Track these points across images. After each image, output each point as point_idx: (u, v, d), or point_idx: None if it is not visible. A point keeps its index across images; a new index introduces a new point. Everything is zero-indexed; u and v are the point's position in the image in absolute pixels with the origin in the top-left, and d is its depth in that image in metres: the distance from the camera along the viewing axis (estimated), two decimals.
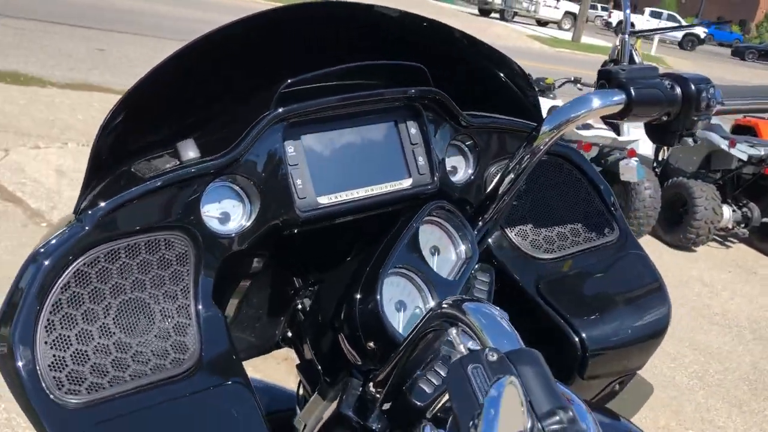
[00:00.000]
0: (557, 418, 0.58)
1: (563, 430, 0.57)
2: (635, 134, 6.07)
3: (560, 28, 30.97)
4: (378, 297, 0.90)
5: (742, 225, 6.27)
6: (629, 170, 5.41)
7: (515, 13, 29.92)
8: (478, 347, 0.68)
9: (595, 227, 1.22)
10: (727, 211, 6.11)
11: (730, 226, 6.21)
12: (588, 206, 1.23)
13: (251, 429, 0.84)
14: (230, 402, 0.84)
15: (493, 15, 29.47)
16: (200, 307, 0.88)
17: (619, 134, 5.90)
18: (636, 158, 5.62)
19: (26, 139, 5.32)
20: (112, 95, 6.83)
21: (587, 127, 5.81)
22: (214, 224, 0.92)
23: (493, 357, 0.61)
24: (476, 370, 0.60)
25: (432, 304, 0.97)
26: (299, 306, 1.14)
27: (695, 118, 1.01)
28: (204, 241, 0.89)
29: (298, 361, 1.17)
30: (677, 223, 6.06)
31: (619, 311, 1.13)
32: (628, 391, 1.18)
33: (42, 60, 7.92)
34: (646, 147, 6.37)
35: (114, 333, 0.82)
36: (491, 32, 21.46)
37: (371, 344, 0.91)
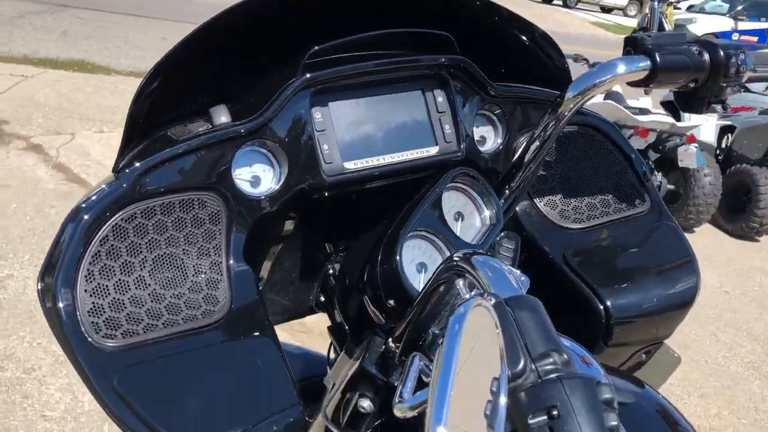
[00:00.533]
0: (551, 359, 0.59)
1: (556, 370, 0.59)
2: (696, 120, 5.90)
3: (625, 14, 30.12)
4: (397, 258, 0.93)
5: None
6: (688, 156, 5.27)
7: (578, 0, 29.27)
8: None
9: (626, 198, 1.22)
10: None
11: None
12: (619, 177, 1.23)
13: (275, 377, 0.88)
14: (257, 352, 0.89)
15: (555, 2, 28.89)
16: (231, 262, 0.92)
17: (678, 120, 5.74)
18: (695, 144, 5.46)
19: (91, 123, 5.55)
20: None
21: (645, 112, 5.68)
22: (245, 187, 0.96)
23: (491, 302, 0.63)
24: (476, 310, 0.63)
25: None
26: (330, 271, 1.18)
27: (724, 84, 1.00)
28: (235, 202, 0.94)
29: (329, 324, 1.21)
30: (740, 211, 5.87)
31: (646, 281, 1.12)
32: (655, 361, 1.18)
33: (108, 49, 8.21)
34: (707, 133, 6.19)
35: (149, 285, 0.87)
36: (553, 19, 21.05)
37: (391, 302, 0.94)
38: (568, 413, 0.55)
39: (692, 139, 5.48)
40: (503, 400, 0.53)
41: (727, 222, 5.99)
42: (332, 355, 1.22)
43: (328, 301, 1.22)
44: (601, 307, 1.08)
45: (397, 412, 0.63)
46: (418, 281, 0.97)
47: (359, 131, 1.02)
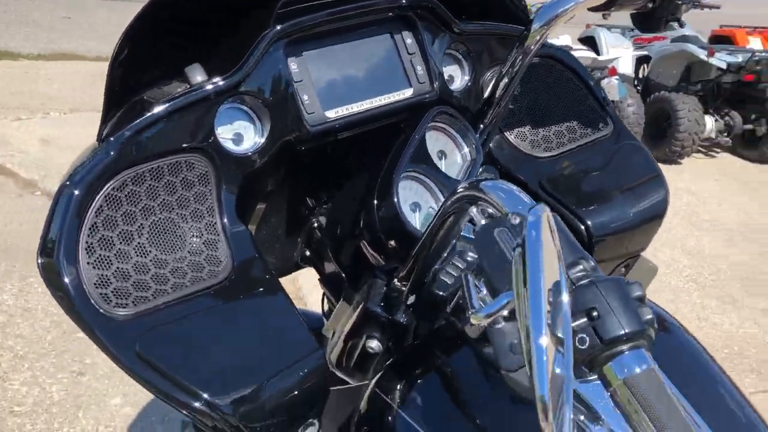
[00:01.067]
0: (581, 266, 0.63)
1: (587, 276, 0.62)
2: (615, 53, 6.09)
3: None
4: (395, 199, 0.95)
5: (725, 134, 6.35)
6: (611, 89, 5.45)
7: None
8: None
9: (590, 123, 1.26)
10: (709, 122, 6.18)
11: (713, 136, 6.29)
12: (581, 103, 1.27)
13: (291, 326, 0.89)
14: (268, 305, 0.90)
15: None
16: (226, 222, 0.93)
17: (598, 54, 5.91)
18: (617, 77, 5.65)
19: (7, 112, 5.28)
20: (86, 62, 6.74)
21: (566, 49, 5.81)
22: (229, 145, 0.95)
23: (516, 220, 0.66)
24: (501, 233, 0.66)
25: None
26: (315, 224, 1.19)
27: (679, 2, 1.05)
28: (222, 161, 0.93)
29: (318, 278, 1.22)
30: (662, 137, 6.13)
31: (620, 198, 1.18)
32: (634, 272, 1.24)
33: (9, 33, 7.75)
34: (625, 65, 6.40)
35: (150, 251, 0.87)
36: None
37: (392, 243, 0.96)
38: (606, 312, 0.59)
39: (614, 72, 5.65)
40: (566, 297, 0.55)
41: (651, 148, 6.21)
42: (326, 307, 1.23)
43: (314, 255, 1.23)
44: (582, 228, 1.13)
45: (474, 320, 0.65)
46: (414, 220, 0.99)
47: (335, 79, 1.03)
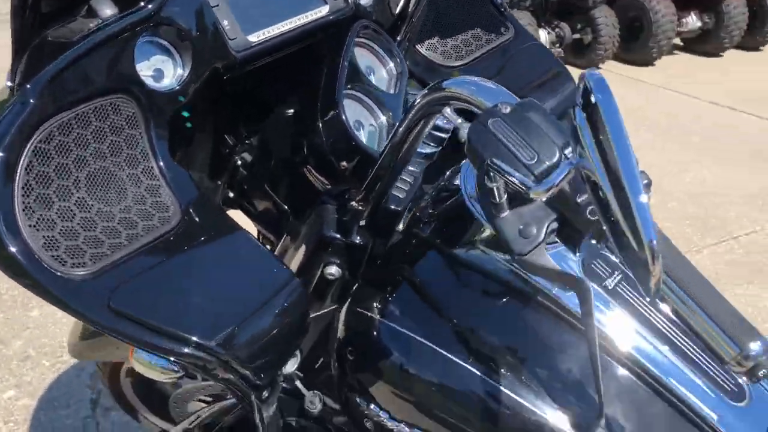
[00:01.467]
0: (571, 147, 0.65)
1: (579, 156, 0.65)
2: None
3: None
4: (343, 116, 0.92)
5: (558, 45, 6.73)
6: None
7: None
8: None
9: (493, 28, 1.29)
10: (543, 34, 6.51)
11: (547, 47, 6.65)
12: (481, 11, 1.29)
13: (261, 260, 0.86)
14: (230, 242, 0.85)
15: None
16: (162, 165, 0.87)
17: None
18: None
19: None
20: None
21: None
22: (150, 82, 0.88)
23: (507, 109, 0.67)
24: (496, 123, 0.66)
25: (383, 118, 1.01)
26: (239, 162, 1.14)
27: None
28: (147, 100, 0.87)
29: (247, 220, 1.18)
30: (635, 40, 6.46)
31: (537, 95, 1.22)
32: None
33: None
34: None
35: (92, 205, 0.80)
36: None
37: (344, 164, 0.94)
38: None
39: None
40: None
41: (626, 53, 6.52)
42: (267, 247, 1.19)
43: (239, 196, 1.18)
44: None
45: (534, 195, 0.64)
46: (362, 138, 0.97)
47: (252, 2, 0.97)
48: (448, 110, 0.77)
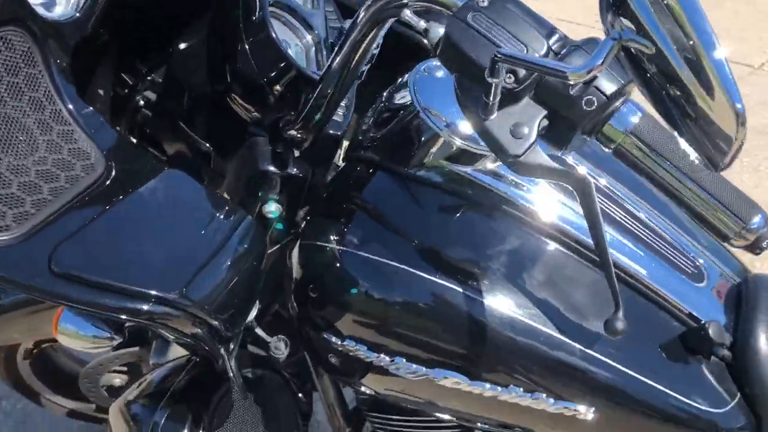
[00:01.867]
0: (557, 35, 0.63)
1: (564, 45, 0.62)
2: None
3: None
4: (273, 35, 0.83)
5: None
6: None
7: None
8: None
9: None
10: None
11: None
12: None
13: (206, 199, 0.77)
14: (170, 184, 0.76)
15: None
16: (71, 107, 0.75)
17: None
18: None
19: None
20: None
21: None
22: (42, 11, 0.75)
23: (485, 2, 0.62)
24: (476, 16, 0.61)
25: (308, 37, 0.93)
26: (141, 102, 1.02)
27: None
28: (42, 33, 0.74)
29: None
30: None
31: None
32: None
33: None
34: None
35: (1, 159, 0.67)
36: None
37: (278, 88, 0.85)
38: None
39: None
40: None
41: None
42: None
43: (144, 139, 1.06)
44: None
45: (574, 79, 0.56)
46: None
47: None
48: (407, 12, 0.71)
